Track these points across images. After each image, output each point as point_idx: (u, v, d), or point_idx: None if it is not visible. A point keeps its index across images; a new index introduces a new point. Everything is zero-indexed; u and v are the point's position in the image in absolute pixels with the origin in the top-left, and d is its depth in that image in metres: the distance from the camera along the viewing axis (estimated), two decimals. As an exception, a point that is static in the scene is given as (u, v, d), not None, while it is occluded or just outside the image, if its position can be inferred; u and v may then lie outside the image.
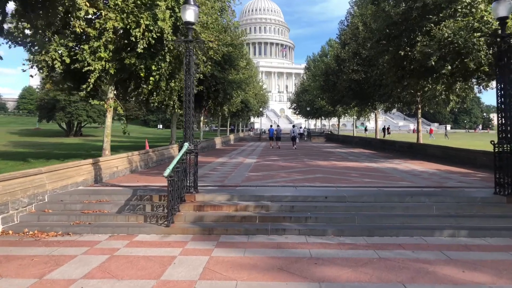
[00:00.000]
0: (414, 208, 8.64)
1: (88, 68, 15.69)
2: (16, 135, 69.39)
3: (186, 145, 9.28)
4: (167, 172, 7.69)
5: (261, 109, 70.62)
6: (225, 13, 29.79)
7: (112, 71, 17.04)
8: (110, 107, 18.00)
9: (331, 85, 39.32)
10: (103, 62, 16.27)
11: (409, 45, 18.69)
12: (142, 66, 17.27)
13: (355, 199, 9.15)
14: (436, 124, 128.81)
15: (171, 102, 22.22)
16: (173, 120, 29.97)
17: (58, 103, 61.86)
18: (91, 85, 16.35)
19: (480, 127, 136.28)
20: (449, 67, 15.48)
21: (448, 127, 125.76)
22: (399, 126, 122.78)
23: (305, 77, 71.83)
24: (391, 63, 21.41)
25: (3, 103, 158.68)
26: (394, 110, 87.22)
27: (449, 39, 15.53)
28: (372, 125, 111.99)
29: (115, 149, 28.81)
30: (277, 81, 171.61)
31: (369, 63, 30.56)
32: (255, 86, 74.36)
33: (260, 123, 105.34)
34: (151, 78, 17.51)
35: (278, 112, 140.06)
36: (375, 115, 43.77)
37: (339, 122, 68.55)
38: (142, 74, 17.38)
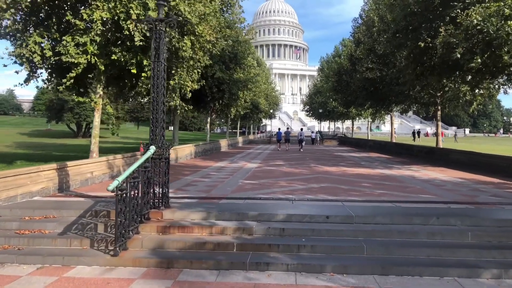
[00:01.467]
0: (443, 234, 6.58)
1: (70, 60, 14.00)
2: (26, 135, 68.93)
3: (152, 148, 7.41)
4: (112, 185, 5.80)
5: (271, 111, 68.52)
6: (232, 8, 28.09)
7: (101, 67, 15.41)
8: (95, 103, 16.37)
9: (344, 85, 37.25)
10: (88, 56, 14.55)
11: (430, 37, 16.54)
12: (134, 61, 15.59)
13: (366, 219, 7.14)
14: (454, 128, 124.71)
15: (173, 103, 20.57)
16: (175, 121, 28.28)
17: (67, 104, 61.02)
18: (72, 80, 14.68)
19: (502, 131, 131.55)
20: (479, 60, 13.29)
21: (467, 131, 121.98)
22: (415, 129, 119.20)
23: (318, 79, 69.64)
24: (409, 58, 19.27)
25: (18, 104, 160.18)
26: (410, 113, 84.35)
27: (478, 27, 13.36)
28: (387, 128, 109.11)
29: (114, 151, 27.26)
30: (291, 83, 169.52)
31: (384, 61, 28.39)
32: (267, 88, 72.67)
33: (271, 126, 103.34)
34: (143, 75, 15.82)
35: (291, 114, 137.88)
36: (391, 117, 41.48)
37: (352, 124, 66.17)
38: (133, 71, 15.69)
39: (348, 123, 77.53)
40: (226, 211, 7.41)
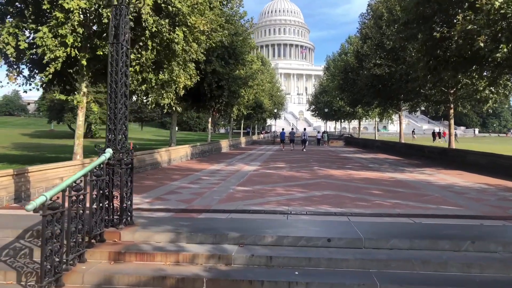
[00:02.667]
0: (482, 266, 4.98)
1: (47, 53, 12.58)
2: (28, 136, 67.93)
3: (108, 152, 5.90)
4: (34, 203, 4.27)
5: (275, 111, 66.88)
6: (232, 2, 26.57)
7: (83, 62, 14.00)
8: (78, 102, 14.96)
9: (350, 83, 35.63)
10: (68, 49, 13.08)
11: (445, 27, 14.90)
12: None
13: (378, 243, 5.56)
14: (462, 128, 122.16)
15: (167, 100, 19.14)
16: (173, 120, 26.88)
17: (67, 104, 59.78)
18: (50, 75, 13.25)
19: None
20: (505, 50, 11.62)
21: (476, 131, 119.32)
22: (423, 129, 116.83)
23: (324, 78, 67.89)
24: (421, 51, 17.63)
25: (24, 105, 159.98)
26: (418, 113, 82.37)
27: (502, 11, 11.72)
28: (394, 128, 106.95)
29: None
30: (296, 83, 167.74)
31: (393, 56, 26.76)
32: (272, 87, 71.11)
33: (275, 126, 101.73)
34: (130, 69, 14.35)
35: (297, 114, 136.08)
36: (399, 116, 39.73)
37: (359, 124, 64.36)
38: None
39: (354, 123, 75.72)
40: (200, 232, 5.86)
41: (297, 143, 37.13)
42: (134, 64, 14.18)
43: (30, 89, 16.25)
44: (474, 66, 17.59)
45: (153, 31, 13.73)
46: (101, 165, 5.81)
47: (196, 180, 12.87)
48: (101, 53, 13.73)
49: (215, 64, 23.86)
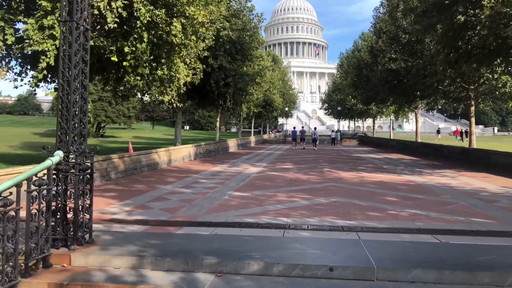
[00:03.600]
0: (538, 312, 3.68)
1: (35, 46, 11.65)
2: (39, 135, 67.90)
3: (57, 155, 4.76)
4: None
5: (286, 109, 65.41)
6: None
7: None
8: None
9: (364, 80, 34.09)
10: (57, 42, 12.03)
11: (471, 9, 13.47)
12: (113, 48, 13.17)
13: (395, 273, 4.29)
14: (481, 126, 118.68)
15: (168, 97, 18.14)
16: (178, 118, 25.82)
17: (76, 103, 59.45)
18: (44, 71, 12.34)
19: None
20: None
21: (495, 129, 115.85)
22: (439, 128, 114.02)
23: (337, 75, 66.14)
24: (441, 42, 16.19)
25: (38, 104, 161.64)
26: (434, 111, 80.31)
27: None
28: (409, 127, 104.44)
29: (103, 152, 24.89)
30: (309, 82, 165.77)
31: (410, 50, 25.22)
32: (284, 86, 69.72)
33: (286, 124, 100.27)
34: (125, 64, 13.35)
35: (310, 113, 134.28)
36: (416, 114, 38.11)
37: (373, 123, 62.54)
38: (113, 59, 13.20)
39: (368, 121, 73.83)
40: (170, 255, 4.67)
41: (309, 142, 36.18)
42: (129, 58, 13.13)
43: (21, 85, 15.15)
44: (499, 59, 16.13)
45: (145, 22, 12.65)
46: (50, 171, 4.67)
47: (191, 183, 11.71)
48: (92, 43, 12.75)
49: (222, 59, 22.72)
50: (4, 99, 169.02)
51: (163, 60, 14.97)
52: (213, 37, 21.47)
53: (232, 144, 32.52)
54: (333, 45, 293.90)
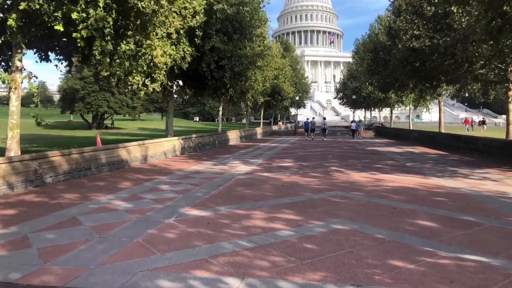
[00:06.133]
0: None
1: None
2: (42, 127, 65.91)
3: None
4: None
5: (297, 98, 61.61)
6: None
7: (11, 23, 10.11)
8: (6, 81, 11.23)
9: (381, 64, 30.34)
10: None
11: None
12: (58, 14, 10.05)
13: None
14: (504, 116, 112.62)
15: (137, 78, 15.07)
16: (169, 108, 22.69)
17: (77, 93, 57.02)
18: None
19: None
20: None
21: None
22: (460, 118, 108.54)
23: (352, 63, 61.93)
24: (483, 3, 12.54)
25: (50, 96, 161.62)
26: (454, 101, 75.49)
27: None
28: (428, 117, 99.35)
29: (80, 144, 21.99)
30: (324, 71, 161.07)
31: (436, 25, 21.45)
32: (297, 74, 65.94)
33: (301, 115, 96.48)
34: (74, 35, 10.21)
35: (324, 103, 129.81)
36: (439, 102, 34.26)
37: (391, 113, 58.43)
38: (58, 28, 10.08)
39: (385, 111, 69.51)
40: None
41: (320, 134, 33.16)
42: (80, 27, 9.97)
43: None
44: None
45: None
46: None
47: (144, 192, 8.52)
48: (37, 7, 9.74)
49: (215, 39, 19.41)
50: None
51: (129, 33, 11.73)
52: (203, 10, 18.24)
53: (233, 136, 29.25)
54: (349, 34, 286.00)
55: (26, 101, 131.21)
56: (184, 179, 10.41)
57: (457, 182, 10.07)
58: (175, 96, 28.40)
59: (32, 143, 31.32)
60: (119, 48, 11.51)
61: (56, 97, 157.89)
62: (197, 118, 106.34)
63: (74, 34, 10.09)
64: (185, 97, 33.12)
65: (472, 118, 65.02)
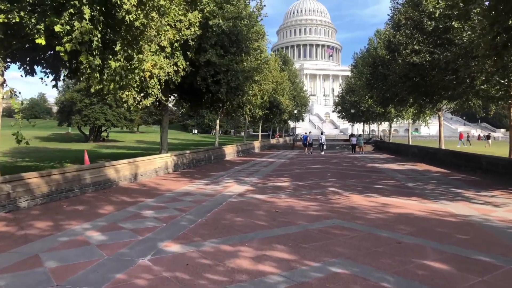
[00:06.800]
0: None
1: None
2: (39, 139, 65.11)
3: None
4: None
5: (295, 112, 61.16)
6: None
7: None
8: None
9: (380, 79, 29.83)
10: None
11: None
12: (41, 26, 9.45)
13: None
14: (502, 130, 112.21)
15: (128, 94, 14.64)
16: (164, 122, 22.01)
17: (75, 106, 56.42)
18: None
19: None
20: None
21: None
22: (458, 132, 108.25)
23: (351, 77, 61.61)
24: (489, 18, 12.01)
25: (49, 108, 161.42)
26: (450, 114, 75.17)
27: None
28: (427, 131, 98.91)
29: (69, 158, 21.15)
30: (323, 84, 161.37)
31: (436, 40, 20.96)
32: (296, 88, 65.59)
33: (300, 128, 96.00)
34: (58, 48, 9.59)
35: (323, 116, 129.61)
36: (439, 117, 33.66)
37: (390, 127, 57.90)
38: (40, 41, 9.45)
39: (384, 125, 68.94)
40: None
41: (318, 148, 32.41)
42: (65, 40, 9.35)
43: None
44: None
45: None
46: None
47: (126, 219, 7.80)
48: (18, 20, 9.15)
49: (210, 52, 18.88)
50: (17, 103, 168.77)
51: (117, 47, 11.10)
52: (198, 24, 17.73)
53: (230, 151, 28.55)
54: (348, 48, 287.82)
55: (25, 113, 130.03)
56: (171, 203, 9.68)
57: (464, 207, 9.35)
58: (174, 108, 27.91)
59: (25, 157, 30.58)
60: (108, 63, 10.92)
61: (56, 109, 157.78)
62: (196, 131, 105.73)
63: (57, 48, 9.47)
64: (182, 110, 32.42)
65: (468, 133, 64.33)
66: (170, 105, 25.39)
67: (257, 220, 7.79)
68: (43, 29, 9.29)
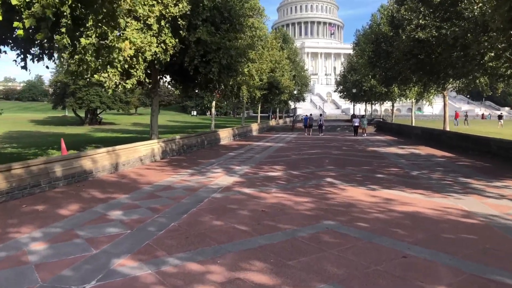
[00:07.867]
0: None
1: None
2: (34, 123, 64.01)
3: None
4: None
5: (295, 92, 59.65)
6: None
7: None
8: None
9: (383, 56, 28.41)
10: None
11: None
12: None
13: None
14: (507, 108, 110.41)
15: (104, 76, 13.46)
16: (154, 105, 20.81)
17: (68, 88, 55.10)
18: None
19: None
20: None
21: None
22: (462, 111, 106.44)
23: (353, 54, 59.76)
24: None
25: (46, 90, 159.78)
26: (454, 93, 73.99)
27: None
28: (430, 110, 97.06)
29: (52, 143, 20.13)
30: (324, 63, 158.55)
31: (443, 14, 19.49)
32: (296, 67, 63.92)
33: (301, 108, 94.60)
34: (15, 24, 8.35)
35: (325, 96, 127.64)
36: (444, 96, 32.25)
37: (393, 107, 56.44)
38: None
39: (387, 104, 67.40)
40: None
41: (316, 129, 31.29)
42: (25, 15, 8.08)
43: None
44: None
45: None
46: None
47: (87, 223, 6.73)
48: None
49: (201, 30, 17.53)
50: (13, 85, 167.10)
51: (89, 23, 9.82)
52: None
53: (225, 134, 27.38)
54: (350, 25, 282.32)
55: (22, 95, 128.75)
56: (146, 200, 8.60)
57: (477, 203, 8.23)
58: (173, 89, 26.62)
59: (13, 143, 29.51)
60: (78, 42, 9.68)
61: (51, 91, 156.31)
62: (195, 112, 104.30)
63: (15, 24, 8.21)
64: (176, 92, 31.12)
65: (466, 112, 62.61)
66: (169, 86, 24.21)
67: (238, 224, 6.70)
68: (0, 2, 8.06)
